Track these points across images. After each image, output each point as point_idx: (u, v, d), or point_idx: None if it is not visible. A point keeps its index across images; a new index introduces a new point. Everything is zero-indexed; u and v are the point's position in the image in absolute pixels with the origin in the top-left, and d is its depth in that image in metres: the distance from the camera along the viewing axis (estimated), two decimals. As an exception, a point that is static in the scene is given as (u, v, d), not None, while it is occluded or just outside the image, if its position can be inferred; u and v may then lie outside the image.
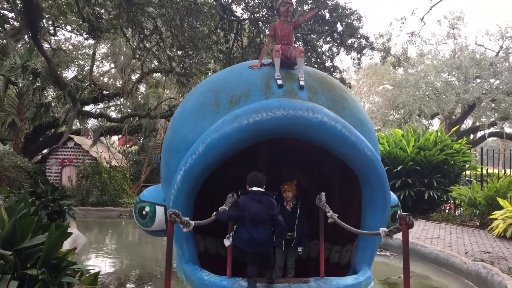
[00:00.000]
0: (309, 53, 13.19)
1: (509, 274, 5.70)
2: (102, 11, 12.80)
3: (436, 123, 32.17)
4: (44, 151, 21.69)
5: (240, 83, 4.83)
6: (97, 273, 3.44)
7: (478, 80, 26.04)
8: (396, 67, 15.79)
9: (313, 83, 4.87)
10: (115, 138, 28.84)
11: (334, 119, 4.32)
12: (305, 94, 4.64)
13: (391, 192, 5.22)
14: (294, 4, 10.91)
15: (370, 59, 13.81)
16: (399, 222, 3.04)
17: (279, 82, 4.65)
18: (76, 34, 19.14)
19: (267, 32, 11.95)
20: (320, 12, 11.89)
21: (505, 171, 14.55)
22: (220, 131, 4.28)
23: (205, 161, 4.33)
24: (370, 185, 4.55)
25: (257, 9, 13.72)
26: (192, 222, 3.30)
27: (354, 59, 13.58)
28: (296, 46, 5.24)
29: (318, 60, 13.50)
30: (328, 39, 13.39)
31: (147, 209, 5.07)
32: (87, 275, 3.27)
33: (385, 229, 3.22)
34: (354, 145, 4.34)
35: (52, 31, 16.53)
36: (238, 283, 3.99)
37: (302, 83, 4.68)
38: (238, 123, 4.23)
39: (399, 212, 5.33)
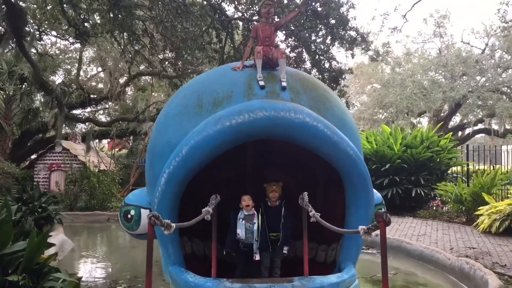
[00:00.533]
0: (310, 44, 13.11)
1: (493, 269, 5.80)
2: (89, 15, 12.74)
3: (425, 121, 32.47)
4: (32, 157, 21.52)
5: (223, 85, 4.85)
6: (79, 278, 3.43)
7: (465, 77, 26.30)
8: (374, 61, 15.72)
9: (295, 83, 4.90)
10: (105, 142, 28.73)
11: (316, 119, 4.35)
12: (287, 95, 4.67)
13: (375, 190, 5.29)
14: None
15: (362, 49, 13.71)
16: (376, 219, 3.08)
17: (261, 83, 4.67)
18: (62, 39, 19.03)
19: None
20: (311, 7, 11.92)
21: (493, 167, 14.71)
22: (203, 133, 4.29)
23: (189, 164, 4.34)
24: (353, 184, 4.59)
25: (250, 6, 13.68)
26: (174, 225, 3.31)
27: (347, 49, 13.50)
28: (278, 47, 5.27)
29: (315, 55, 13.41)
30: (321, 29, 13.30)
31: (132, 212, 5.06)
32: (70, 280, 3.27)
33: (363, 227, 3.26)
34: (336, 145, 4.37)
35: (37, 36, 16.40)
36: (223, 284, 4.00)
37: (284, 84, 4.70)
38: (221, 125, 4.24)
39: (383, 210, 5.39)
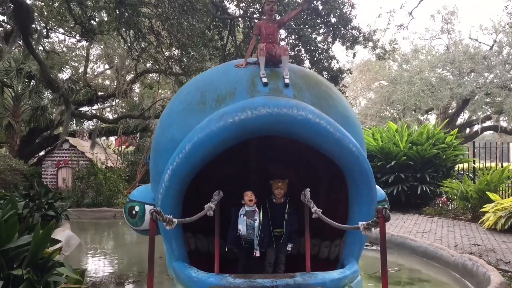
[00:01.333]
0: (306, 45, 13.14)
1: (496, 266, 5.79)
2: (95, 13, 12.82)
3: (432, 119, 32.29)
4: (40, 153, 21.71)
5: (226, 82, 4.88)
6: (83, 271, 3.49)
7: (473, 74, 26.10)
8: (381, 59, 15.64)
9: (298, 80, 4.92)
10: (112, 139, 28.89)
11: (318, 116, 4.37)
12: (290, 92, 4.69)
13: (378, 187, 5.29)
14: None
15: (364, 47, 13.68)
16: (376, 215, 3.10)
17: (264, 80, 4.70)
18: (69, 36, 19.17)
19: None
20: (312, 5, 11.92)
21: (501, 164, 14.64)
22: (206, 129, 4.32)
23: (192, 160, 4.38)
24: (356, 181, 4.60)
25: (251, 4, 13.71)
26: (175, 220, 3.35)
27: (348, 48, 13.50)
28: (281, 44, 5.29)
29: (315, 54, 13.43)
30: (322, 29, 13.32)
31: (137, 208, 5.11)
32: (73, 276, 3.32)
33: (363, 222, 3.29)
34: (339, 141, 4.39)
35: (45, 34, 16.55)
36: (225, 279, 4.04)
37: (287, 81, 4.72)
38: (224, 122, 4.27)
39: (386, 206, 5.39)
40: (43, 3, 14.87)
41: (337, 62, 13.93)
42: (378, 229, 3.29)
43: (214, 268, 4.42)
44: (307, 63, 13.49)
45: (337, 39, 13.03)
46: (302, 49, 13.65)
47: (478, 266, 5.33)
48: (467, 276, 5.62)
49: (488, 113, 28.68)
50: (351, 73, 15.56)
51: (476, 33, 53.44)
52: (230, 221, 4.70)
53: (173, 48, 14.14)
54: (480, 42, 28.23)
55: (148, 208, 5.10)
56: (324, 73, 12.85)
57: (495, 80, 24.82)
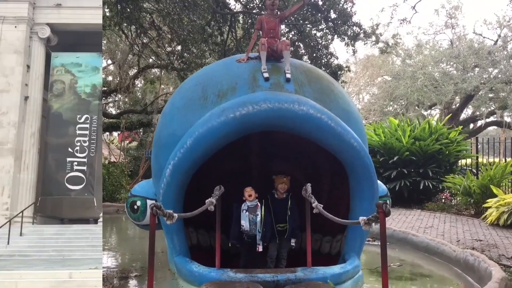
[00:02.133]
0: (307, 40, 13.13)
1: (499, 261, 5.78)
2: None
3: (436, 114, 32.12)
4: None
5: (227, 77, 4.88)
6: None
7: (477, 69, 25.93)
8: (383, 53, 15.59)
9: (300, 75, 4.91)
10: (115, 134, 28.93)
11: (320, 111, 4.36)
12: (291, 87, 4.68)
13: (380, 182, 5.28)
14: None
15: (364, 44, 13.66)
16: (376, 210, 3.10)
17: (266, 75, 4.69)
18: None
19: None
20: (312, 0, 11.89)
21: (505, 159, 14.57)
22: (207, 124, 4.33)
23: (193, 155, 4.40)
24: (357, 176, 4.61)
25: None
26: (176, 215, 3.36)
27: (348, 45, 13.46)
28: (282, 39, 5.27)
29: (314, 50, 13.41)
30: (322, 26, 13.30)
31: (139, 203, 5.14)
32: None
33: (364, 217, 3.28)
34: (340, 136, 4.39)
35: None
36: (226, 274, 4.06)
37: (288, 75, 4.71)
38: (225, 117, 4.28)
39: (388, 202, 5.38)
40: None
41: (336, 59, 13.93)
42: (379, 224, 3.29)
43: (215, 263, 4.43)
44: (306, 59, 13.49)
45: (337, 35, 13.03)
46: (301, 45, 13.64)
47: (479, 262, 5.32)
48: (468, 271, 5.61)
49: (492, 108, 28.52)
50: (349, 71, 15.56)
51: (480, 28, 53.14)
52: (231, 216, 4.71)
53: (175, 44, 14.15)
54: (484, 37, 28.04)
55: (150, 203, 5.11)
56: (323, 69, 12.86)
57: (500, 76, 24.65)
